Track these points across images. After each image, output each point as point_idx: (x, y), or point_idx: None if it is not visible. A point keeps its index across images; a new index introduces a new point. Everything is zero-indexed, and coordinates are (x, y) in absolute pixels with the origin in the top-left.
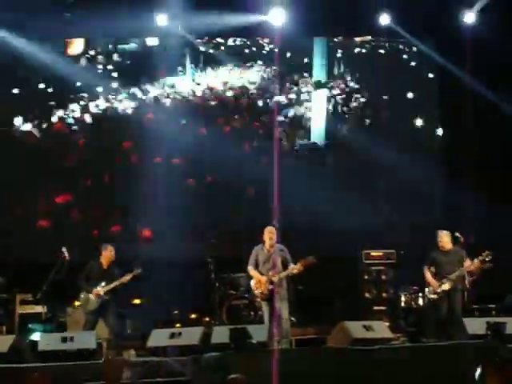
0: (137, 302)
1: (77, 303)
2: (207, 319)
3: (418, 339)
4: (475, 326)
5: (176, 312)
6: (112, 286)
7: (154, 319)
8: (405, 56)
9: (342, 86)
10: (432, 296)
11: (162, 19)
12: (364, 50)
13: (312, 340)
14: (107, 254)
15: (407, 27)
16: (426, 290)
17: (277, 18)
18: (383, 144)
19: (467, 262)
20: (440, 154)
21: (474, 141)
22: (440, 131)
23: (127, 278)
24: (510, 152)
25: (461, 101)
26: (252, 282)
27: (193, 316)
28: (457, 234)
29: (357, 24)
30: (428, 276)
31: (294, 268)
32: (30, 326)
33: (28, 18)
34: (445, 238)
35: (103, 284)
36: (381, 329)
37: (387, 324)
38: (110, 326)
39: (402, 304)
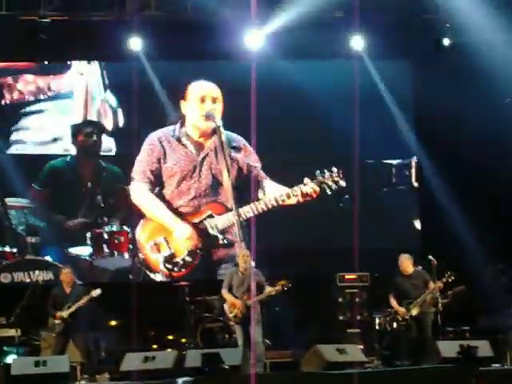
0: (112, 323)
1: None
2: (183, 340)
3: (392, 362)
4: (448, 348)
5: (152, 333)
6: (73, 308)
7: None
8: None
9: None
10: (401, 323)
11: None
12: None
13: (286, 363)
14: (64, 278)
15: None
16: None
17: None
18: None
19: (431, 284)
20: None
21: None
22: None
23: (84, 300)
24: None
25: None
26: (226, 305)
27: (170, 337)
28: (430, 257)
29: None
30: (394, 304)
31: (269, 292)
32: (4, 348)
33: None
34: (405, 262)
35: (67, 307)
36: (354, 352)
37: (361, 347)
38: (80, 348)
39: (377, 327)
